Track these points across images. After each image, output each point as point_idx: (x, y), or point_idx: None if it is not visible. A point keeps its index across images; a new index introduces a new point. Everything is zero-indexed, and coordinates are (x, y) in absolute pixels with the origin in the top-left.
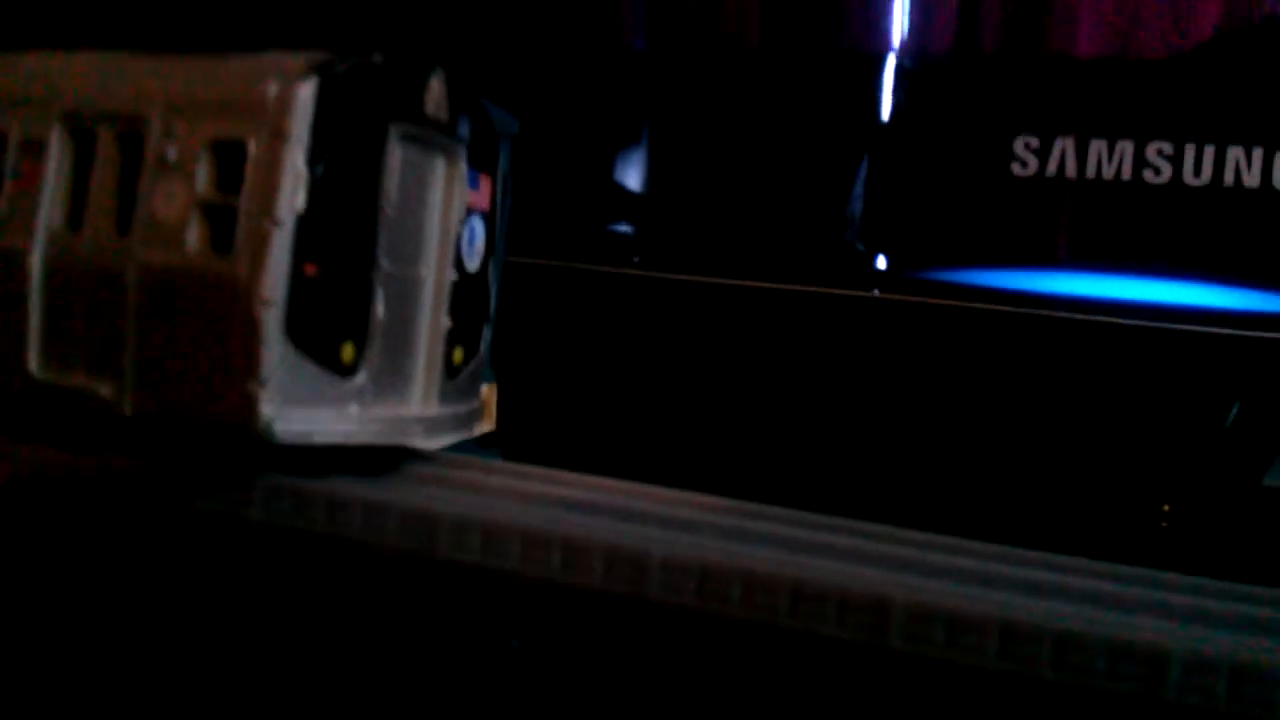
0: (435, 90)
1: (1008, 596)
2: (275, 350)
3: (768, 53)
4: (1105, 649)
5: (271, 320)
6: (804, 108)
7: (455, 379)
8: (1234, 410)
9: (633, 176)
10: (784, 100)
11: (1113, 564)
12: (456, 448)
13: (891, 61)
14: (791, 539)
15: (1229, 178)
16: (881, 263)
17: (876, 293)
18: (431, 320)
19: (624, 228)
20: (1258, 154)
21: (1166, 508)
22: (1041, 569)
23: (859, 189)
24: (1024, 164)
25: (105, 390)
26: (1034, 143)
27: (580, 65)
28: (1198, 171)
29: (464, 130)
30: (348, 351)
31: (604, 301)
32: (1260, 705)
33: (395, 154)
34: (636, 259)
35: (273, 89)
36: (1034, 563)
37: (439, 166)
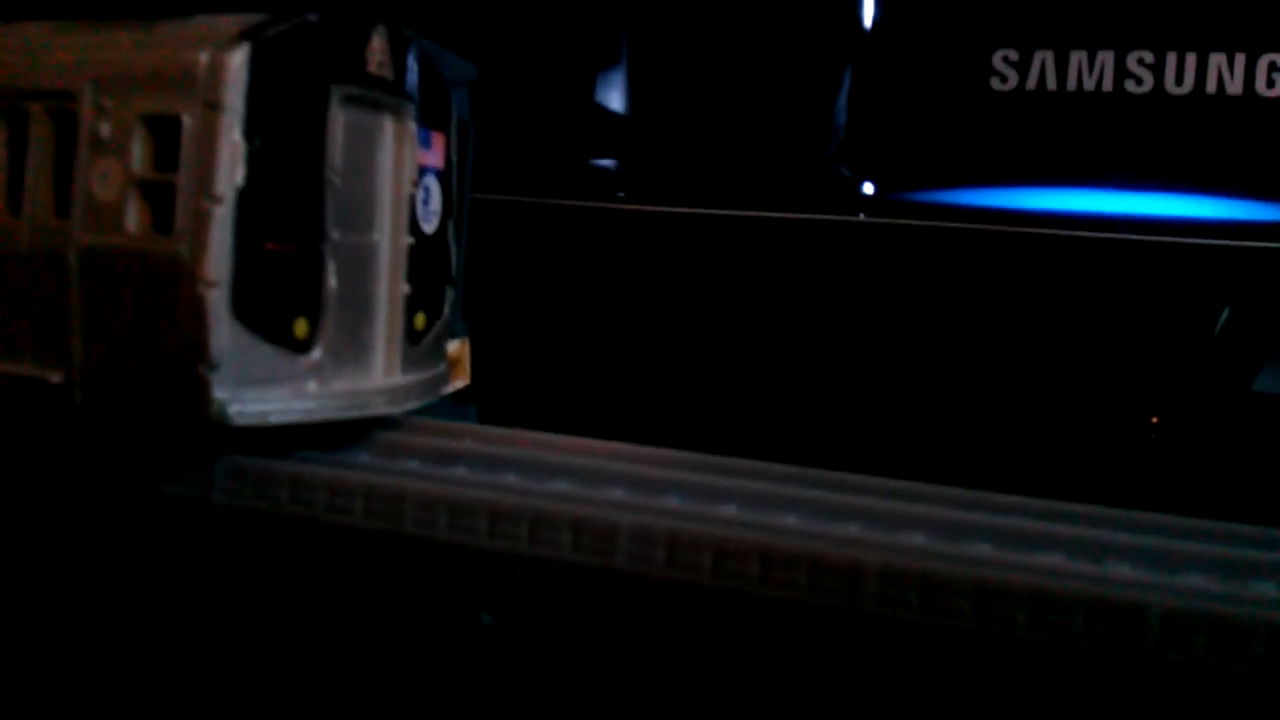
0: (378, 47)
1: (982, 550)
2: (224, 332)
3: None
4: (1082, 607)
5: (218, 301)
6: (785, 24)
7: (418, 344)
8: (1222, 318)
9: (611, 105)
10: (765, 17)
11: (1088, 505)
12: (429, 406)
13: None
14: (763, 496)
15: (1212, 85)
16: (868, 187)
17: (862, 217)
18: (389, 287)
19: (605, 161)
20: (1240, 60)
21: (1155, 419)
22: (1016, 516)
23: (842, 109)
24: (1003, 79)
25: (55, 377)
26: (1014, 55)
27: None
28: (1180, 80)
29: (412, 86)
30: (301, 327)
31: (587, 238)
32: (1241, 659)
33: (338, 118)
34: (621, 194)
35: (203, 58)
36: (1008, 509)
37: (387, 127)
